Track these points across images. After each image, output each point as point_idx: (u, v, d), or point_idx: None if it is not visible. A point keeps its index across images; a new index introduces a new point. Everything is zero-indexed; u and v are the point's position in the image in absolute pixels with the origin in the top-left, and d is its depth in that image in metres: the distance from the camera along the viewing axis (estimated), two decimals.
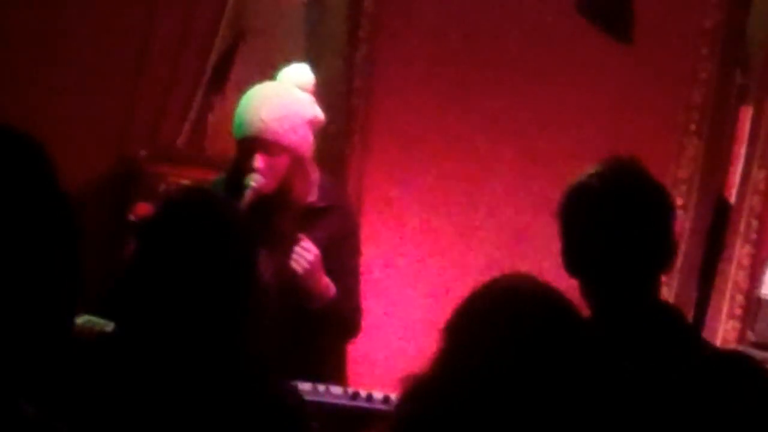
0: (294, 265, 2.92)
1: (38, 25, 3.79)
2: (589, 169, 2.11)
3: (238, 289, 1.84)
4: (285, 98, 3.01)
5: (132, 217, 3.60)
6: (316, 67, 3.23)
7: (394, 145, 3.88)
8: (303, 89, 3.08)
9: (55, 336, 1.42)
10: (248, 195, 2.92)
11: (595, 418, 1.50)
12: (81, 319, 2.43)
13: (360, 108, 3.87)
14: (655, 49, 3.87)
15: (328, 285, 2.97)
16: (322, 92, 3.28)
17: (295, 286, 2.93)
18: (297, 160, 2.99)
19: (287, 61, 3.28)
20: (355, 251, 3.11)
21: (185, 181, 3.70)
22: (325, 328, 3.01)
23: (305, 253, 2.92)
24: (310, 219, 3.02)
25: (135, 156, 3.79)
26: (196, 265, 1.81)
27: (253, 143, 2.97)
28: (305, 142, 3.01)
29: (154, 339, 1.81)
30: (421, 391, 1.54)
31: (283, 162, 2.96)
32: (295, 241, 2.95)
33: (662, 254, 2.06)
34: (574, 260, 2.10)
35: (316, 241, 2.97)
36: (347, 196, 3.25)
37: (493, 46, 3.89)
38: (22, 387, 1.41)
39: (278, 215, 2.99)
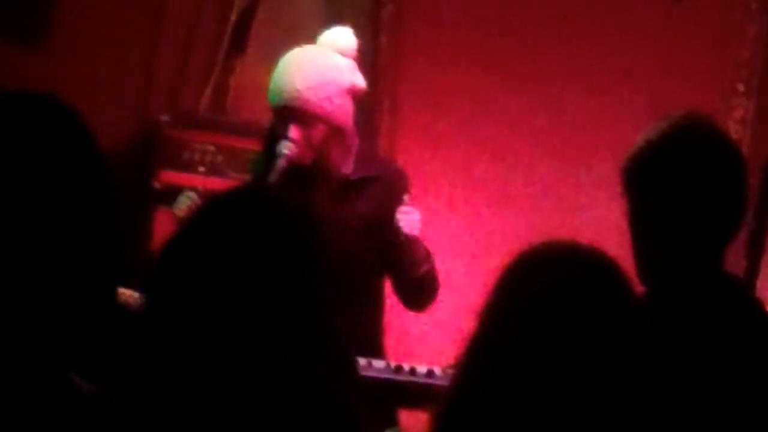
0: (404, 228, 2.96)
1: None
2: (661, 124, 2.04)
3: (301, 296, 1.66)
4: (321, 65, 3.03)
5: (157, 185, 3.65)
6: (338, 25, 3.25)
7: (425, 108, 3.90)
8: (344, 54, 3.08)
9: (100, 307, 1.47)
10: (280, 163, 2.96)
11: (640, 389, 1.51)
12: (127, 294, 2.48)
13: (388, 69, 3.88)
14: (701, 3, 3.85)
15: (427, 249, 3.04)
16: None
17: (395, 255, 3.01)
18: (334, 129, 3.02)
19: (309, 19, 3.31)
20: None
21: (209, 146, 3.73)
22: (414, 295, 3.11)
23: (411, 214, 2.98)
24: (346, 192, 3.05)
25: (156, 121, 3.83)
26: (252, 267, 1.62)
27: (287, 112, 3.00)
28: (342, 111, 3.03)
29: (190, 314, 1.72)
30: (468, 364, 1.54)
31: (318, 132, 3.00)
32: (335, 214, 2.98)
33: (736, 221, 2.01)
34: (641, 223, 2.02)
35: (357, 216, 3.02)
36: (392, 167, 3.22)
37: (530, 6, 3.89)
38: (73, 361, 1.45)
39: (315, 186, 3.03)
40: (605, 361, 1.49)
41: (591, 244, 1.59)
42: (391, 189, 3.07)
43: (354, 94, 3.07)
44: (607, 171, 3.69)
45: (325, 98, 2.99)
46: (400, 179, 3.12)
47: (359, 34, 3.84)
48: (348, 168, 3.05)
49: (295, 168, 2.98)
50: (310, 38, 3.19)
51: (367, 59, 3.85)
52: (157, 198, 3.64)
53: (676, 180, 1.98)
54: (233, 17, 3.98)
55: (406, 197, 3.00)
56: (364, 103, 3.73)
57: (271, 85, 3.05)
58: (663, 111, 2.19)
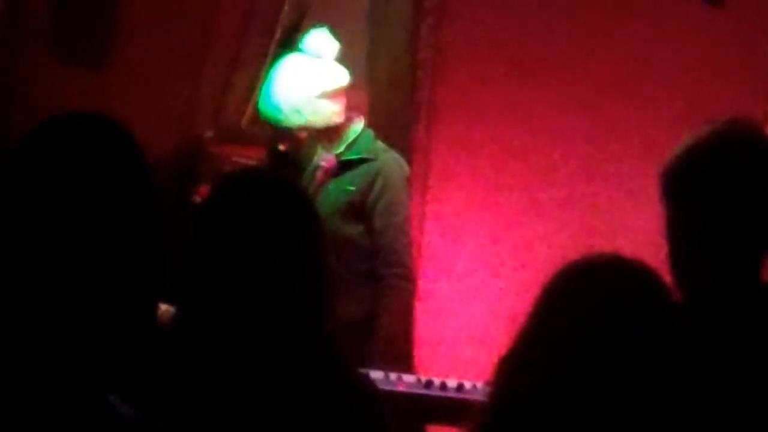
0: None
1: (104, 6, 3.96)
2: (704, 130, 2.01)
3: (306, 271, 1.88)
4: (288, 83, 3.32)
5: (197, 199, 3.75)
6: (380, 40, 3.35)
7: (462, 119, 3.92)
8: (324, 57, 3.33)
9: (141, 326, 1.50)
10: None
11: (678, 403, 1.55)
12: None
13: (425, 81, 3.93)
14: (742, 10, 3.84)
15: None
16: (386, 66, 3.39)
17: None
18: (316, 130, 3.31)
19: (352, 36, 3.42)
20: (390, 208, 3.33)
21: (251, 162, 3.83)
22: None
23: None
24: (335, 172, 3.35)
25: (200, 137, 3.96)
26: (257, 249, 1.86)
27: None
28: (317, 116, 3.31)
29: (224, 327, 1.86)
30: (511, 371, 1.58)
31: (303, 133, 3.35)
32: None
33: None
34: (681, 230, 1.99)
35: (341, 194, 3.29)
36: (387, 155, 3.42)
37: (566, 12, 3.88)
38: (113, 383, 1.45)
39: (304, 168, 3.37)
40: (649, 377, 1.52)
41: (634, 258, 1.60)
42: (375, 175, 3.31)
43: (332, 96, 3.30)
44: (642, 179, 3.69)
45: (293, 111, 3.29)
46: (385, 169, 3.34)
47: (400, 47, 3.93)
48: (339, 149, 3.34)
49: (289, 153, 3.33)
50: (353, 56, 3.35)
51: (406, 73, 3.93)
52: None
53: (720, 187, 1.96)
54: (278, 35, 4.08)
55: None
56: (401, 115, 3.85)
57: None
58: (700, 117, 2.15)
